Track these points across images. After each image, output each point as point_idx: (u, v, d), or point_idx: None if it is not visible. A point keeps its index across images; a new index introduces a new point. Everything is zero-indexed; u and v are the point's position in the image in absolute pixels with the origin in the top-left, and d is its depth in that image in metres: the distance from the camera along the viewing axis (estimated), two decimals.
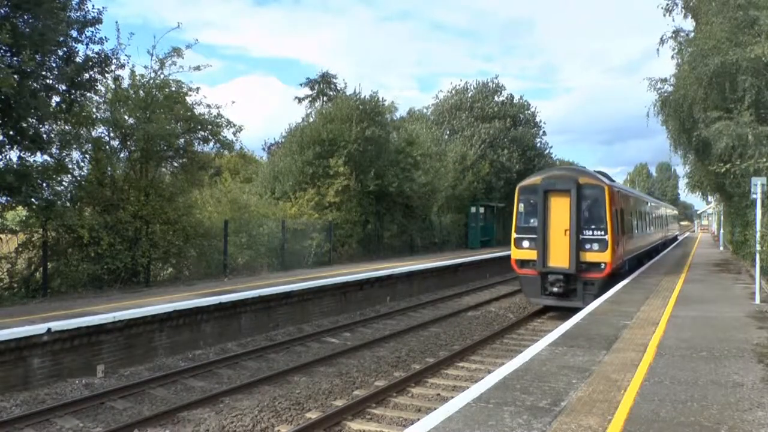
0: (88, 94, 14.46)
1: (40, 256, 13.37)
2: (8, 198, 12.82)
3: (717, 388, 6.61)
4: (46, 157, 13.69)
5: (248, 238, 18.92)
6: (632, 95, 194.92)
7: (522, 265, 16.49)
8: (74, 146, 14.45)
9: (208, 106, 17.07)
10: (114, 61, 14.48)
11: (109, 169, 15.48)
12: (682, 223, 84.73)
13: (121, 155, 16.14)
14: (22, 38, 11.94)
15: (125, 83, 16.02)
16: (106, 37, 14.01)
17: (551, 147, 46.58)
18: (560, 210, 15.75)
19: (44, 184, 13.49)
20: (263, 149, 36.15)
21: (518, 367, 7.54)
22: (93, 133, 15.38)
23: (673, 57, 18.80)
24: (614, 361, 7.82)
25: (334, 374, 10.43)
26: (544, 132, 44.66)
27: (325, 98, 33.95)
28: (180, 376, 10.20)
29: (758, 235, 13.62)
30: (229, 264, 17.52)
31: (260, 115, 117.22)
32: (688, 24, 19.01)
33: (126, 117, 15.77)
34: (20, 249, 13.38)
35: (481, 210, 34.79)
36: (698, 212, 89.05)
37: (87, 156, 15.19)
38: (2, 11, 11.95)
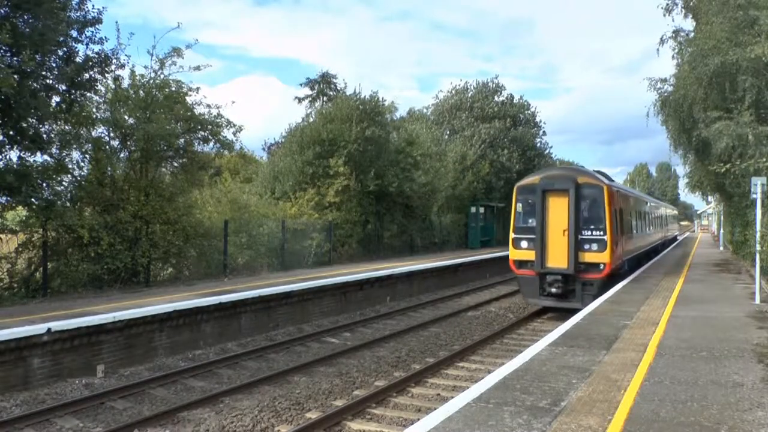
0: (88, 94, 14.46)
1: (40, 256, 13.37)
2: (8, 198, 12.82)
3: (717, 388, 6.61)
4: (46, 157, 13.71)
5: (248, 238, 18.92)
6: (632, 95, 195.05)
7: (520, 266, 16.39)
8: (74, 146, 14.45)
9: (208, 106, 17.10)
10: (114, 61, 14.50)
11: (109, 169, 15.48)
12: (682, 223, 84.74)
13: (121, 155, 16.14)
14: (22, 38, 11.94)
15: (125, 83, 16.04)
16: (106, 37, 14.05)
17: (551, 147, 46.66)
18: (559, 210, 15.64)
19: (44, 184, 13.49)
20: (263, 149, 36.21)
21: (518, 367, 7.54)
22: (93, 133, 15.38)
23: (673, 57, 18.82)
24: (614, 361, 7.82)
25: (334, 374, 10.43)
26: (544, 132, 44.74)
27: (325, 98, 33.96)
28: (180, 376, 10.20)
29: (758, 235, 13.62)
30: (229, 264, 17.52)
31: (260, 115, 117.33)
32: (688, 24, 19.03)
33: (126, 117, 15.77)
34: (20, 249, 13.38)
35: (481, 210, 34.79)
36: (698, 212, 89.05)
37: (87, 156, 15.19)
38: (2, 11, 11.95)
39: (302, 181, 23.70)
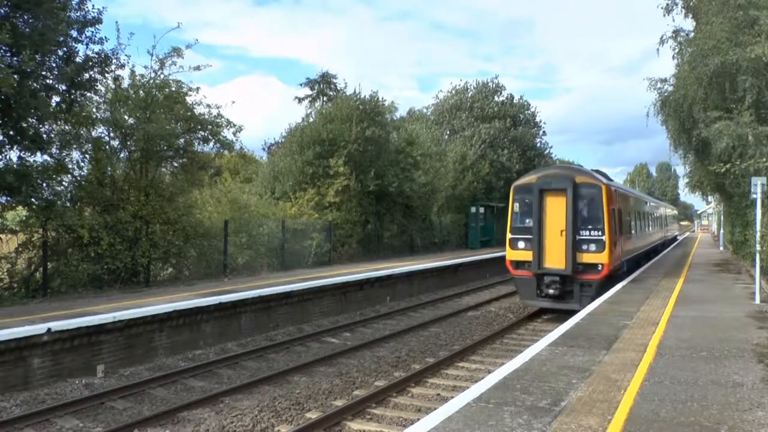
0: (88, 94, 14.47)
1: (40, 256, 13.37)
2: (8, 198, 12.82)
3: (717, 388, 6.61)
4: (46, 157, 13.71)
5: (248, 238, 18.92)
6: (632, 95, 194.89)
7: (517, 267, 16.16)
8: (74, 146, 14.45)
9: (208, 106, 17.10)
10: (114, 61, 14.50)
11: (109, 169, 15.48)
12: (682, 223, 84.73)
13: (121, 155, 16.15)
14: (22, 38, 11.94)
15: (125, 83, 16.04)
16: (106, 37, 14.05)
17: (551, 147, 46.67)
18: (556, 210, 15.43)
19: (44, 184, 13.49)
20: (263, 149, 36.22)
21: (518, 367, 7.54)
22: (93, 133, 15.38)
23: (673, 57, 18.79)
24: (614, 361, 7.82)
25: (334, 374, 10.43)
26: (544, 132, 44.78)
27: (325, 98, 33.96)
28: (180, 376, 10.20)
29: (758, 235, 13.62)
30: (229, 264, 17.53)
31: (260, 115, 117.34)
32: (688, 24, 19.02)
33: (126, 117, 15.77)
34: (20, 249, 13.38)
35: (481, 210, 34.80)
36: (698, 212, 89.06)
37: (87, 156, 15.20)
38: (2, 11, 11.95)
39: (302, 181, 23.70)
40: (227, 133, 17.53)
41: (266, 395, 9.20)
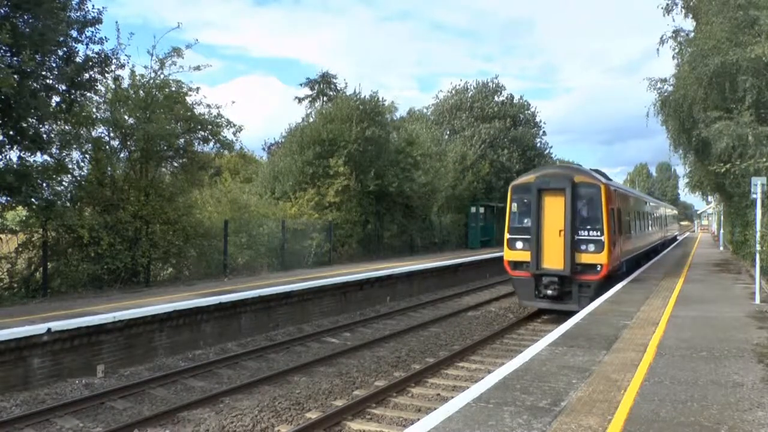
0: (88, 94, 14.46)
1: (40, 256, 13.37)
2: (8, 198, 12.81)
3: (717, 388, 6.61)
4: (46, 157, 13.71)
5: (248, 238, 18.92)
6: (632, 95, 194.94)
7: (515, 267, 16.02)
8: (74, 146, 14.45)
9: (208, 106, 17.10)
10: (114, 61, 14.50)
11: (109, 169, 15.48)
12: (682, 223, 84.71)
13: (121, 155, 16.14)
14: (22, 38, 11.93)
15: (125, 83, 16.04)
16: (106, 37, 14.04)
17: (551, 147, 46.67)
18: (555, 210, 15.30)
19: (44, 184, 13.49)
20: (263, 149, 36.21)
21: (518, 367, 7.54)
22: (93, 133, 15.38)
23: (673, 57, 18.79)
24: (614, 361, 7.82)
25: (334, 374, 10.43)
26: (544, 132, 44.80)
27: (325, 98, 33.95)
28: (180, 376, 10.20)
29: (758, 235, 13.62)
30: (229, 264, 17.52)
31: (260, 115, 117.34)
32: (688, 24, 19.01)
33: (126, 117, 15.77)
34: (20, 249, 13.38)
35: (481, 210, 34.80)
36: (698, 212, 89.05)
37: (87, 156, 15.19)
38: (2, 11, 11.95)
39: (302, 181, 23.70)
40: (227, 133, 17.56)
41: (266, 395, 9.20)
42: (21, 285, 13.20)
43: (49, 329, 9.45)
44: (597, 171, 18.25)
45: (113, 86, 15.66)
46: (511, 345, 12.96)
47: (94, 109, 15.38)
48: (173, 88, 16.41)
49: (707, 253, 33.25)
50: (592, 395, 6.34)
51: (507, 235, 16.29)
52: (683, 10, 18.37)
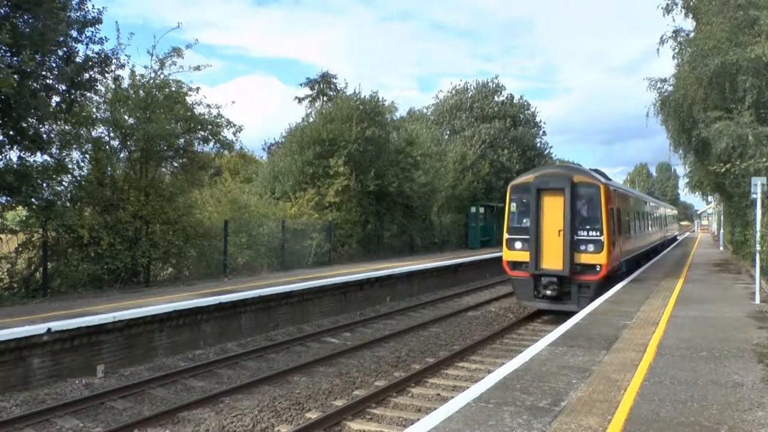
0: (88, 94, 14.46)
1: (40, 256, 13.37)
2: (8, 198, 12.81)
3: (717, 388, 6.61)
4: (46, 157, 13.71)
5: (248, 238, 18.92)
6: (632, 95, 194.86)
7: (514, 267, 15.93)
8: (74, 146, 14.45)
9: (208, 106, 17.10)
10: (114, 61, 14.50)
11: (109, 169, 15.48)
12: (682, 223, 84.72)
13: (121, 155, 16.15)
14: (22, 38, 11.93)
15: (125, 83, 16.04)
16: (106, 37, 14.04)
17: (551, 147, 46.68)
18: (554, 209, 15.22)
19: (44, 184, 13.49)
20: (263, 149, 36.22)
21: (518, 367, 7.54)
22: (93, 133, 15.38)
23: (673, 57, 18.77)
24: (614, 361, 7.82)
25: (334, 374, 10.43)
26: (544, 132, 44.80)
27: (325, 98, 33.95)
28: (180, 376, 10.20)
29: (758, 235, 13.62)
30: (229, 264, 17.52)
31: (260, 115, 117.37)
32: (688, 24, 19.01)
33: (126, 117, 15.77)
34: (20, 249, 13.38)
35: (481, 210, 34.80)
36: (698, 212, 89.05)
37: (87, 156, 15.20)
38: (2, 11, 11.95)
39: (302, 181, 23.70)
40: (227, 133, 17.56)
41: (266, 395, 9.20)
42: (21, 285, 13.20)
43: (49, 329, 9.46)
44: (596, 171, 18.18)
45: (113, 86, 15.67)
46: (511, 345, 12.96)
47: (94, 109, 15.38)
48: (173, 88, 16.41)
49: (707, 253, 33.25)
50: (592, 395, 6.34)
51: (506, 235, 16.22)
52: (683, 10, 18.36)
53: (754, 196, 13.47)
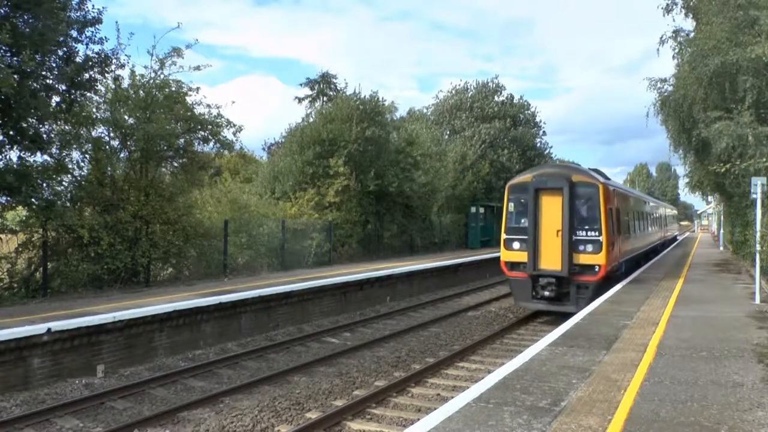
0: (88, 94, 14.46)
1: (40, 256, 13.37)
2: (8, 198, 12.81)
3: (717, 388, 6.62)
4: (46, 157, 13.71)
5: (248, 238, 18.92)
6: (632, 95, 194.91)
7: (512, 268, 15.75)
8: (74, 146, 14.45)
9: (208, 106, 17.10)
10: (114, 61, 14.50)
11: (109, 169, 15.48)
12: (682, 223, 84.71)
13: (121, 155, 16.14)
14: (22, 38, 11.93)
15: (125, 83, 16.04)
16: (106, 37, 14.05)
17: (551, 147, 46.67)
18: (552, 209, 15.03)
19: (44, 184, 13.49)
20: (263, 149, 36.21)
21: (518, 367, 7.54)
22: (93, 133, 15.38)
23: (673, 57, 18.78)
24: (614, 361, 7.82)
25: (334, 374, 10.43)
26: (544, 132, 44.77)
27: (325, 98, 33.94)
28: (180, 376, 10.20)
29: (758, 235, 13.62)
30: (229, 264, 17.52)
31: (260, 115, 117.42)
32: (688, 24, 19.02)
33: (126, 117, 15.77)
34: (20, 249, 13.38)
35: (481, 210, 34.80)
36: (698, 212, 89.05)
37: (87, 156, 15.19)
38: (2, 11, 11.95)
39: (302, 181, 23.70)
40: (227, 133, 17.56)
41: (266, 395, 9.20)
42: (21, 285, 13.20)
43: (49, 329, 9.46)
44: (595, 170, 18.04)
45: (113, 86, 15.67)
46: (511, 345, 12.96)
47: (94, 109, 15.38)
48: (173, 88, 16.41)
49: (707, 253, 33.25)
50: (592, 395, 6.34)
51: (504, 236, 16.05)
52: (683, 10, 18.37)
53: (754, 196, 13.47)
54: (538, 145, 43.40)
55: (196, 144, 17.50)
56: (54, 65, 13.21)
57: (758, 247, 13.66)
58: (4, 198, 12.82)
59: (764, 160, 13.41)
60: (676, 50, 18.52)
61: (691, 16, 18.45)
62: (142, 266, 15.11)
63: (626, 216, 18.78)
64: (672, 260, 26.23)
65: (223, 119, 17.26)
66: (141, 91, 16.04)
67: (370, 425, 7.99)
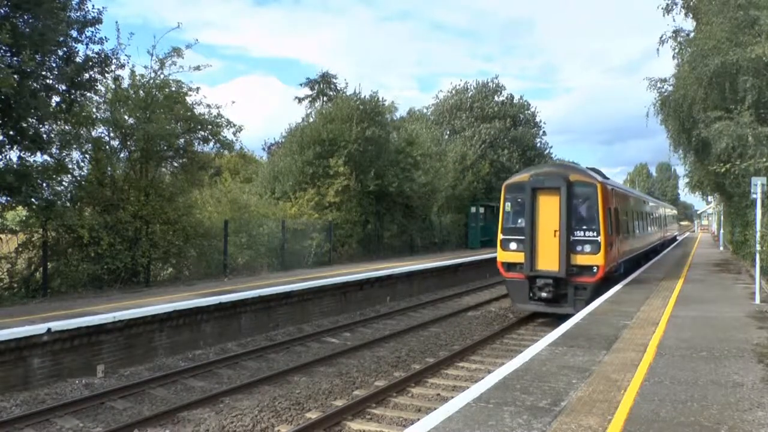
0: (88, 94, 14.47)
1: (40, 256, 13.37)
2: (8, 198, 12.81)
3: (717, 388, 6.61)
4: (46, 157, 13.71)
5: (248, 238, 18.92)
6: (632, 95, 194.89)
7: (509, 269, 15.52)
8: (74, 146, 14.45)
9: (208, 106, 17.11)
10: (114, 61, 14.50)
11: (109, 169, 15.48)
12: (682, 223, 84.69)
13: (121, 155, 16.15)
14: (22, 38, 11.94)
15: (125, 83, 16.04)
16: (106, 37, 14.05)
17: (551, 147, 46.65)
18: (549, 209, 14.81)
19: (44, 184, 13.49)
20: (263, 149, 36.20)
21: (518, 367, 7.54)
22: (93, 133, 15.38)
23: (673, 57, 18.78)
24: (614, 361, 7.82)
25: (334, 374, 10.43)
26: (544, 132, 44.76)
27: (325, 98, 33.92)
28: (180, 376, 10.20)
29: (758, 235, 13.61)
30: (229, 264, 17.52)
31: (260, 115, 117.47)
32: (688, 24, 19.02)
33: (126, 117, 15.78)
34: (20, 249, 13.38)
35: (481, 210, 34.80)
36: (698, 212, 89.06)
37: (87, 156, 15.20)
38: (2, 11, 11.95)
39: (302, 181, 23.70)
40: (227, 133, 17.56)
41: (266, 395, 9.20)
42: (21, 285, 13.20)
43: (49, 329, 9.46)
44: (594, 169, 17.90)
45: (113, 86, 15.67)
46: (511, 345, 12.96)
47: (94, 109, 15.38)
48: (173, 88, 16.41)
49: (707, 253, 33.25)
50: (592, 395, 6.34)
51: (500, 236, 15.87)
52: (683, 10, 18.37)
53: (754, 196, 13.46)
54: (538, 145, 43.41)
55: (196, 144, 17.51)
56: (54, 65, 13.22)
57: (758, 247, 13.65)
58: (4, 198, 12.82)
59: (764, 160, 13.40)
60: (676, 50, 18.52)
61: (691, 16, 18.45)
62: (142, 266, 15.11)
63: (625, 216, 18.65)
64: (672, 260, 26.23)
65: (223, 119, 17.28)
66: (141, 91, 16.04)
67: (370, 425, 7.99)
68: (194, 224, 16.67)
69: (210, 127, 17.12)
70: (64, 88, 13.58)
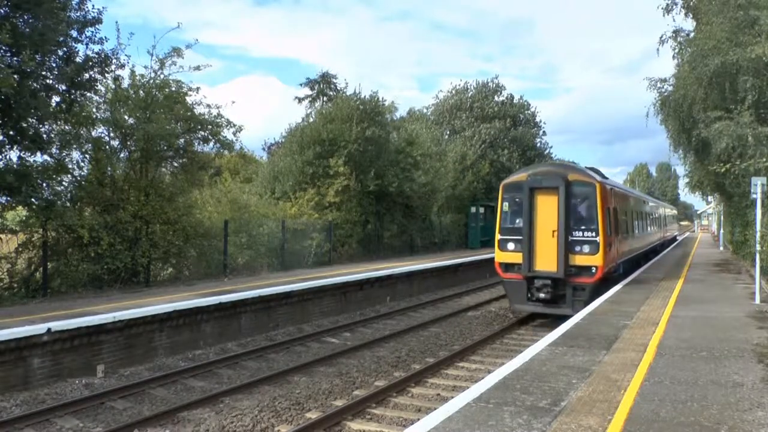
0: (88, 94, 14.47)
1: (40, 256, 13.37)
2: (8, 198, 12.81)
3: (717, 388, 6.61)
4: (46, 157, 13.71)
5: (248, 238, 18.92)
6: (632, 95, 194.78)
7: (506, 269, 15.42)
8: (74, 146, 14.45)
9: (208, 106, 17.11)
10: (114, 61, 14.50)
11: (109, 169, 15.48)
12: (682, 223, 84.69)
13: (121, 155, 16.15)
14: (22, 38, 11.93)
15: (125, 83, 16.04)
16: (106, 37, 14.05)
17: (551, 147, 46.62)
18: (548, 209, 14.68)
19: (44, 184, 13.49)
20: (263, 149, 36.20)
21: (518, 367, 7.54)
22: (93, 133, 15.38)
23: (673, 57, 18.77)
24: (614, 361, 7.82)
25: (334, 374, 10.43)
26: (544, 132, 44.75)
27: (325, 98, 33.92)
28: (180, 376, 10.20)
29: (758, 235, 13.61)
30: (229, 264, 17.52)
31: (260, 115, 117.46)
32: (688, 24, 19.02)
33: (126, 117, 15.78)
34: (20, 249, 13.38)
35: (481, 210, 34.80)
36: (698, 212, 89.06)
37: (87, 156, 15.20)
38: (2, 11, 11.95)
39: (302, 181, 23.70)
40: (227, 133, 17.56)
41: (266, 395, 9.20)
42: (21, 285, 13.20)
43: (49, 329, 9.46)
44: (593, 169, 17.78)
45: (113, 86, 15.67)
46: (511, 345, 12.96)
47: (94, 109, 15.38)
48: (173, 88, 16.41)
49: (707, 253, 33.25)
50: (592, 395, 6.34)
51: (498, 236, 15.76)
52: (683, 10, 18.36)
53: (754, 196, 13.46)
54: (538, 145, 43.41)
55: (196, 144, 17.51)
56: (54, 65, 13.22)
57: (758, 247, 13.65)
58: (4, 198, 12.82)
59: (764, 160, 13.40)
60: (676, 50, 18.52)
61: (691, 16, 18.45)
62: (142, 266, 15.11)
63: (624, 216, 18.54)
64: (672, 260, 26.23)
65: (223, 119, 17.28)
66: (141, 91, 16.04)
67: (370, 425, 7.99)
68: (194, 224, 16.68)
69: (210, 127, 17.12)
70: (64, 88, 13.58)
